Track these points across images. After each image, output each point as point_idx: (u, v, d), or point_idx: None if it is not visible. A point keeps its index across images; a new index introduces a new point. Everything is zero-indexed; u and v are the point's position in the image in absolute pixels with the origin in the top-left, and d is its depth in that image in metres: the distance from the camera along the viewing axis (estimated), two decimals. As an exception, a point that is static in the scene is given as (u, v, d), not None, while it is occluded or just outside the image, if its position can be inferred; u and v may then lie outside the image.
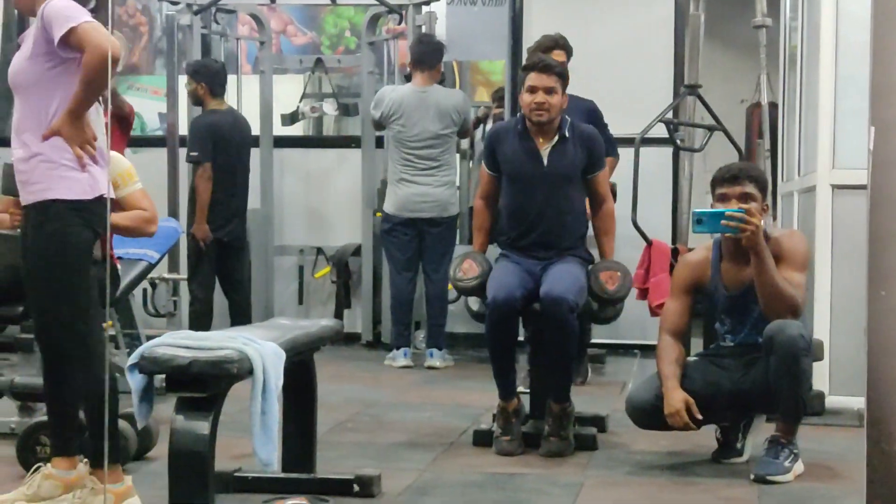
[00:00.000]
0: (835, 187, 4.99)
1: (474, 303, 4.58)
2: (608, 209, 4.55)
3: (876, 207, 2.29)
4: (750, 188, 3.99)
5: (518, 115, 4.60)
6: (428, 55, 6.67)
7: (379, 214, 6.86)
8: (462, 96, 6.86)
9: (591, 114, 5.67)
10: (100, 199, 3.25)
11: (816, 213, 5.03)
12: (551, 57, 4.66)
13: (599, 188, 4.53)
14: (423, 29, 7.16)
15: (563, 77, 4.44)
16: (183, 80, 6.94)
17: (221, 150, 6.40)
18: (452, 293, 6.38)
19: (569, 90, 4.49)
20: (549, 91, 4.37)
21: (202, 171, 6.36)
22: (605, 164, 4.61)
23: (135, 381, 3.11)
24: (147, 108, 8.64)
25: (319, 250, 7.53)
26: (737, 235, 3.91)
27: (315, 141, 8.19)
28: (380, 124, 6.66)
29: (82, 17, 3.16)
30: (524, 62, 4.70)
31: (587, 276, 4.40)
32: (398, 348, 6.55)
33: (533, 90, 4.39)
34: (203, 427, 2.99)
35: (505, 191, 4.52)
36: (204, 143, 6.37)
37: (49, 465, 3.37)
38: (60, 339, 3.28)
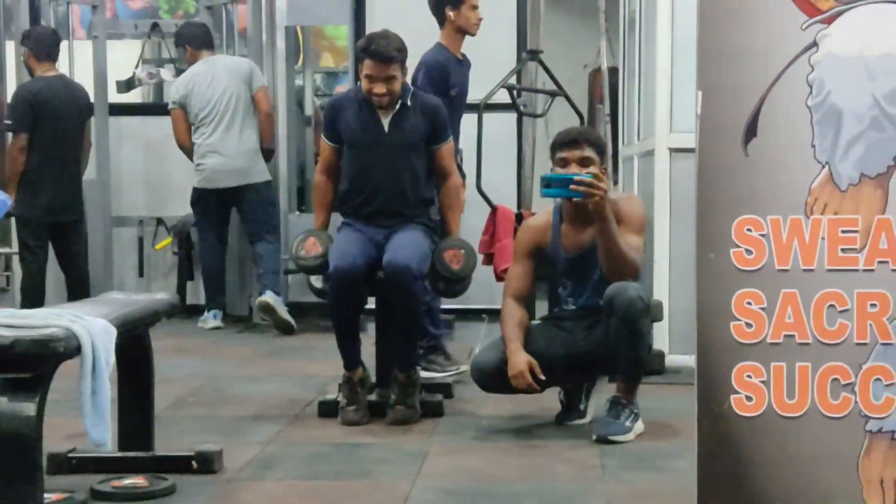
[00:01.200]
0: (673, 151, 5.08)
1: (317, 280, 4.52)
2: (453, 183, 4.51)
3: (703, 171, 2.32)
4: (589, 152, 4.03)
5: (357, 84, 4.53)
6: (205, 35, 6.79)
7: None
8: (249, 61, 6.82)
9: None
10: None
11: (655, 176, 5.13)
12: (389, 40, 4.32)
13: (443, 161, 4.49)
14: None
15: (404, 61, 4.35)
16: (11, 46, 6.66)
17: (47, 119, 6.16)
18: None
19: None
20: (389, 79, 4.30)
21: (16, 140, 6.17)
22: (450, 136, 4.55)
23: (-47, 362, 2.95)
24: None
25: (160, 221, 7.32)
26: (585, 200, 3.94)
27: (153, 108, 7.93)
28: (183, 107, 6.56)
29: None
30: (360, 42, 4.45)
31: (432, 244, 4.38)
32: (209, 310, 6.71)
33: (372, 79, 4.31)
34: (29, 408, 2.86)
35: (346, 159, 4.45)
36: (22, 112, 6.18)
37: None
38: None
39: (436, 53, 5.13)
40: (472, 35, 5.20)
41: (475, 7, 5.12)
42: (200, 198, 6.60)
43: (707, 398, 2.35)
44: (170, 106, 6.64)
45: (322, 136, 4.55)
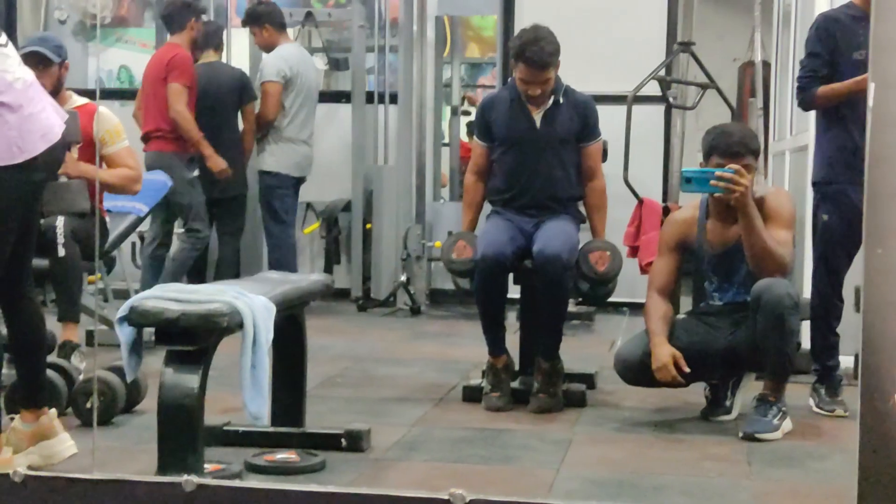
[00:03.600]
0: (827, 146, 4.95)
1: (464, 282, 4.56)
2: (598, 185, 4.51)
3: (875, 165, 2.27)
4: (749, 160, 3.96)
5: (510, 81, 4.54)
6: (282, 17, 6.66)
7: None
8: None
9: None
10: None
11: (808, 171, 5.00)
12: (542, 44, 4.28)
13: (591, 161, 4.49)
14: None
15: (557, 64, 4.35)
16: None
17: (199, 103, 6.34)
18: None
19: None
20: (544, 82, 4.32)
21: None
22: (600, 135, 4.53)
23: (124, 334, 3.09)
24: (136, 60, 8.54)
25: (309, 205, 7.47)
26: (726, 196, 3.89)
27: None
28: (285, 86, 6.47)
29: None
30: (513, 42, 4.40)
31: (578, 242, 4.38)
32: None
33: (527, 83, 4.32)
34: (192, 380, 2.97)
35: (498, 155, 4.49)
36: None
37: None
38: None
39: (836, 9, 4.40)
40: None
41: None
42: (293, 186, 6.57)
43: (871, 395, 2.29)
44: (273, 79, 6.46)
45: (474, 137, 4.58)
